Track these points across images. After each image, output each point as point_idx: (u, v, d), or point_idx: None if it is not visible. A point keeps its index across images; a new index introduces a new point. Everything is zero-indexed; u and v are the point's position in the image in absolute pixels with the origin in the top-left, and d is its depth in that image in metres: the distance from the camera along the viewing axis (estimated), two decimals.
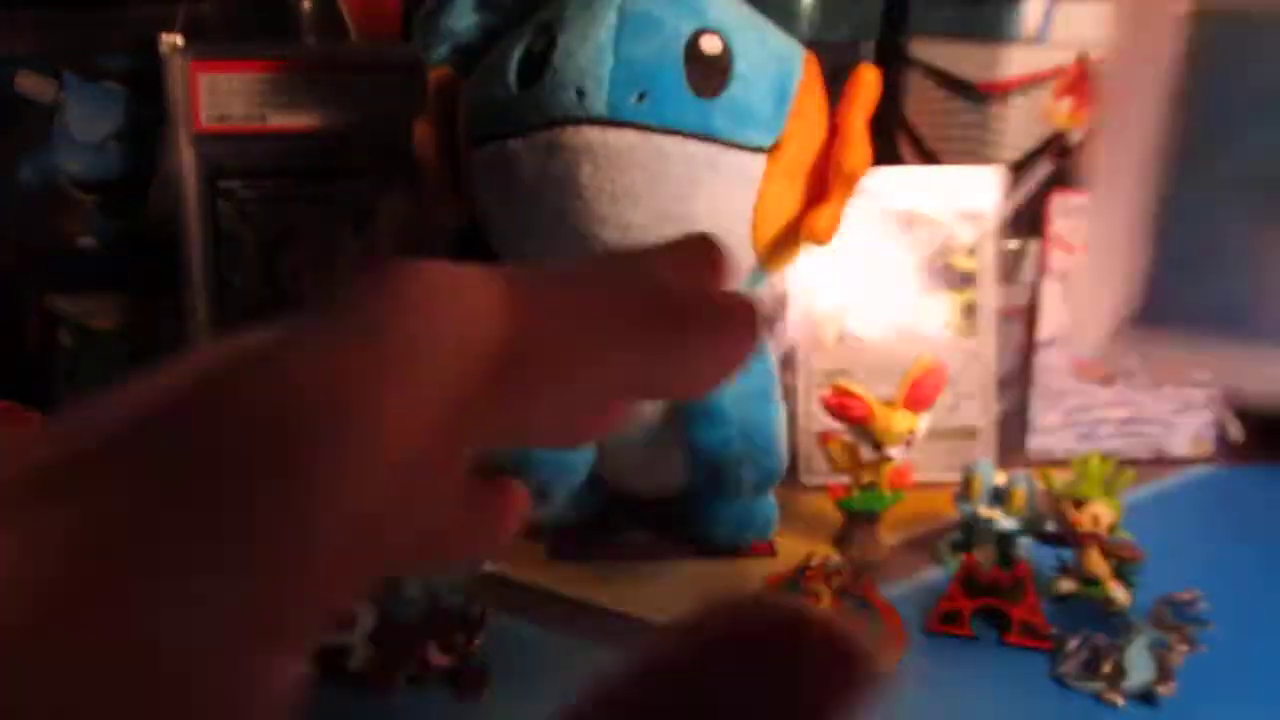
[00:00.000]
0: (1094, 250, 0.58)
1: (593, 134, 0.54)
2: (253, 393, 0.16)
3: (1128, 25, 0.50)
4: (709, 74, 0.56)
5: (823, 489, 0.70)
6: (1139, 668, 0.53)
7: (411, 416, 0.16)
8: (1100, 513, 0.59)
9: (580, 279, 0.20)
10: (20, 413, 0.82)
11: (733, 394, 0.61)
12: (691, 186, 0.56)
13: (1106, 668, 0.54)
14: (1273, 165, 0.48)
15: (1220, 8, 0.48)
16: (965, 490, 0.64)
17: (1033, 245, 0.74)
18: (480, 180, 0.60)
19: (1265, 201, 0.50)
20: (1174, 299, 0.52)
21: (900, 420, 0.63)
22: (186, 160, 0.72)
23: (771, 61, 0.58)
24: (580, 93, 0.54)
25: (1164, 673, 0.53)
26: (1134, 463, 0.64)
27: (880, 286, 0.73)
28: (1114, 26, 0.53)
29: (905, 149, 0.81)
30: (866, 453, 0.65)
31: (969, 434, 0.75)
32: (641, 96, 0.54)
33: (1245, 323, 0.52)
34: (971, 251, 0.73)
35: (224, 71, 0.71)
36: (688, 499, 0.68)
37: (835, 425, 0.66)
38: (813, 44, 0.63)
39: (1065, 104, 0.74)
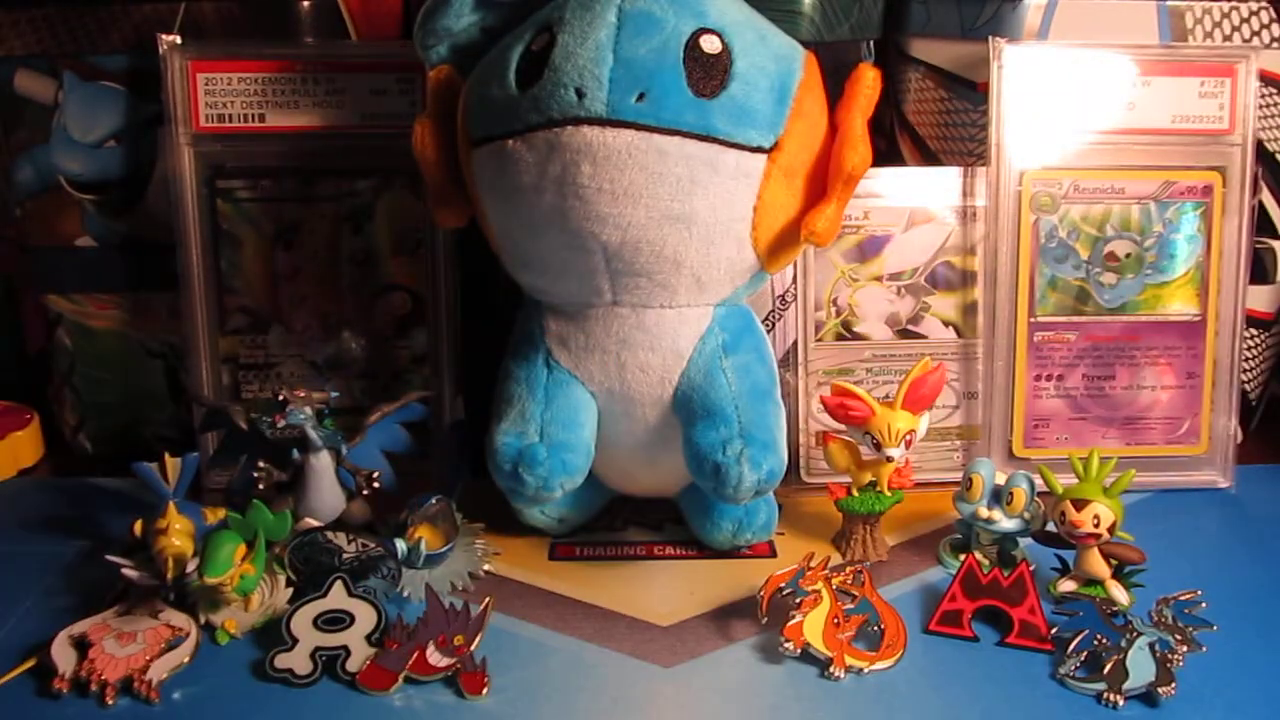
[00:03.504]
0: None
1: (592, 134, 0.54)
2: None
3: None
4: (709, 74, 0.56)
5: (823, 489, 0.70)
6: (1140, 668, 0.53)
7: None
8: (1100, 513, 0.59)
9: None
10: (20, 413, 0.82)
11: (733, 394, 0.61)
12: (691, 186, 0.56)
13: (1107, 668, 0.54)
14: None
15: None
16: (965, 490, 0.64)
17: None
18: (480, 180, 0.60)
19: None
20: None
21: (900, 420, 0.63)
22: (185, 160, 0.72)
23: (771, 61, 0.58)
24: (580, 92, 0.54)
25: (1165, 673, 0.53)
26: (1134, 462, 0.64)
27: (881, 285, 0.73)
28: None
29: (905, 149, 0.81)
30: (866, 453, 0.65)
31: (969, 434, 0.75)
32: (641, 96, 0.54)
33: None
34: (971, 251, 0.73)
35: (223, 71, 0.71)
36: (688, 499, 0.68)
37: (835, 425, 0.66)
38: (813, 44, 0.63)
39: None
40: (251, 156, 0.73)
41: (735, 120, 0.56)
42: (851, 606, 0.58)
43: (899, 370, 0.73)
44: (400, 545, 0.60)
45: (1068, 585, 0.61)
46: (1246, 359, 0.79)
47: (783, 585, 0.58)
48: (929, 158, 0.79)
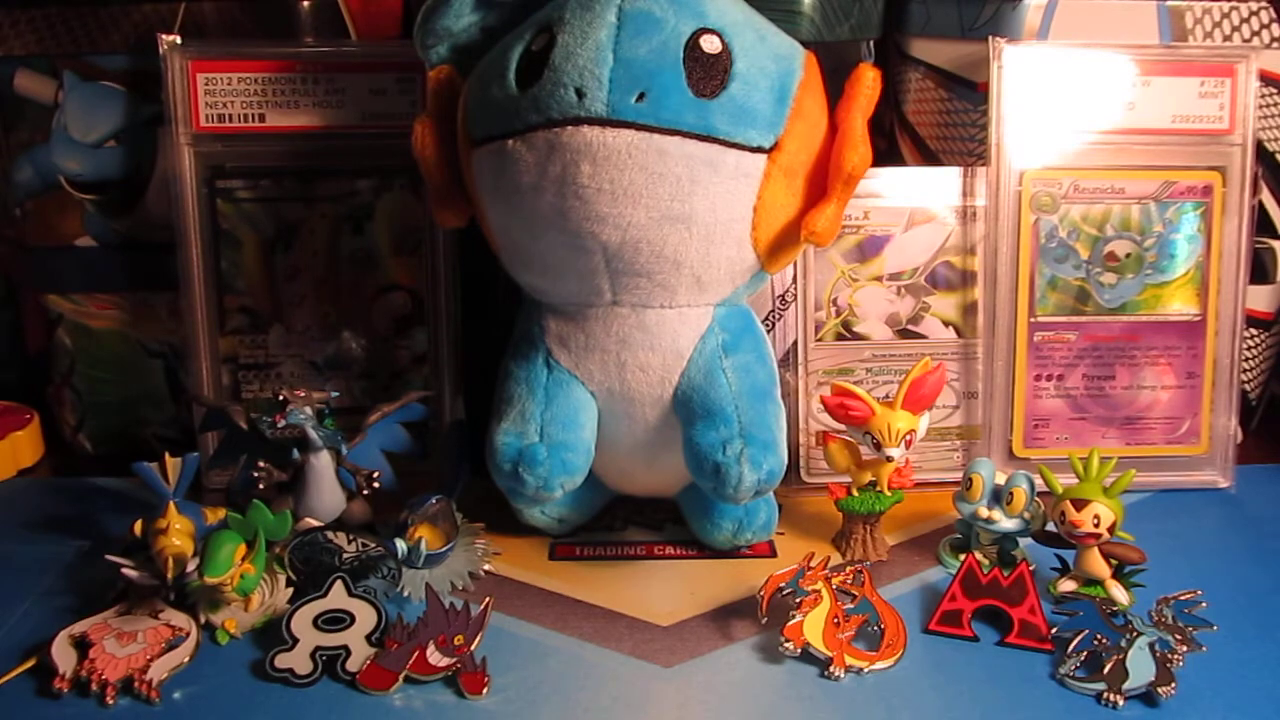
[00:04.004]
0: None
1: (592, 134, 0.54)
2: None
3: None
4: (709, 74, 0.56)
5: (823, 489, 0.70)
6: (1140, 668, 0.53)
7: None
8: (1100, 513, 0.59)
9: None
10: (20, 413, 0.82)
11: (733, 394, 0.61)
12: (691, 186, 0.56)
13: (1107, 668, 0.54)
14: None
15: None
16: (965, 490, 0.64)
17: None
18: (480, 180, 0.60)
19: None
20: None
21: (900, 420, 0.63)
22: (185, 160, 0.72)
23: (771, 61, 0.58)
24: (580, 92, 0.54)
25: (1165, 673, 0.53)
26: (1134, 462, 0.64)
27: (881, 285, 0.73)
28: None
29: (905, 149, 0.81)
30: (866, 453, 0.65)
31: (969, 434, 0.75)
32: (641, 96, 0.54)
33: None
34: (971, 251, 0.73)
35: (223, 71, 0.71)
36: (688, 499, 0.68)
37: (835, 425, 0.66)
38: (813, 44, 0.63)
39: None
40: (251, 156, 0.73)
41: (735, 120, 0.56)
42: (851, 606, 0.58)
43: (899, 370, 0.73)
44: (400, 545, 0.60)
45: (1068, 585, 0.61)
46: (1246, 359, 0.79)
47: (783, 585, 0.58)
48: (929, 158, 0.79)
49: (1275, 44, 0.73)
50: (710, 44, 0.56)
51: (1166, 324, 0.74)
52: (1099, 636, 0.55)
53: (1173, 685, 0.53)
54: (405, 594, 0.61)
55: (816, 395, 0.73)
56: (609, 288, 0.60)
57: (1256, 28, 0.73)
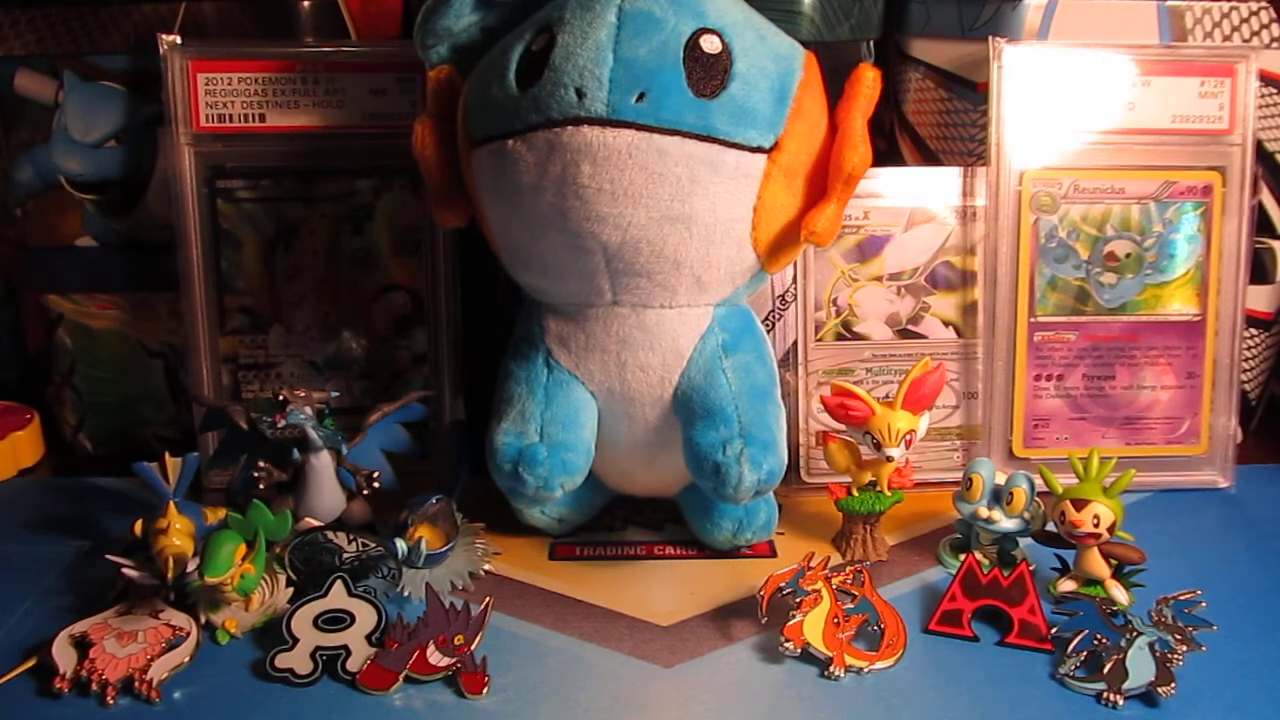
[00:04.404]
0: None
1: (592, 134, 0.54)
2: None
3: None
4: (709, 74, 0.56)
5: (823, 489, 0.70)
6: (1140, 668, 0.53)
7: None
8: (1100, 513, 0.59)
9: None
10: (20, 413, 0.82)
11: (733, 394, 0.61)
12: (691, 186, 0.56)
13: (1107, 668, 0.54)
14: None
15: None
16: (965, 490, 0.64)
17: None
18: (480, 180, 0.60)
19: None
20: None
21: (900, 420, 0.63)
22: (185, 160, 0.72)
23: (771, 61, 0.58)
24: (580, 92, 0.54)
25: (1164, 673, 0.53)
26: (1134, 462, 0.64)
27: (881, 285, 0.73)
28: None
29: (905, 149, 0.81)
30: (866, 453, 0.65)
31: (969, 434, 0.75)
32: (641, 96, 0.54)
33: None
34: (971, 251, 0.73)
35: (223, 71, 0.71)
36: (688, 499, 0.68)
37: (835, 425, 0.66)
38: (813, 44, 0.63)
39: None
40: (251, 156, 0.73)
41: (735, 120, 0.56)
42: (851, 606, 0.58)
43: (899, 370, 0.73)
44: (400, 545, 0.60)
45: (1068, 585, 0.61)
46: (1246, 359, 0.79)
47: (783, 585, 0.58)
48: (929, 158, 0.79)
49: (1275, 44, 0.73)
50: (710, 44, 0.56)
51: (1166, 324, 0.74)
52: (1099, 636, 0.55)
53: (1173, 685, 0.53)
54: (405, 594, 0.61)
55: (816, 395, 0.73)
56: (609, 288, 0.60)
57: (1256, 28, 0.73)
